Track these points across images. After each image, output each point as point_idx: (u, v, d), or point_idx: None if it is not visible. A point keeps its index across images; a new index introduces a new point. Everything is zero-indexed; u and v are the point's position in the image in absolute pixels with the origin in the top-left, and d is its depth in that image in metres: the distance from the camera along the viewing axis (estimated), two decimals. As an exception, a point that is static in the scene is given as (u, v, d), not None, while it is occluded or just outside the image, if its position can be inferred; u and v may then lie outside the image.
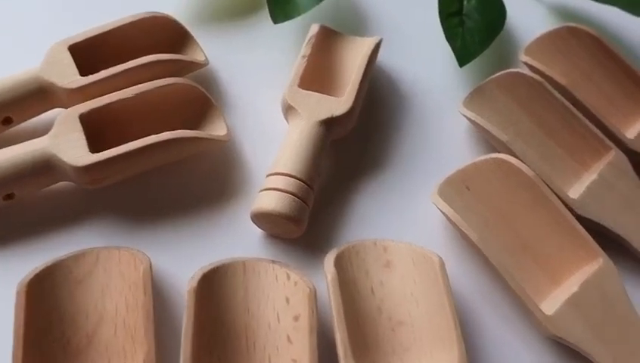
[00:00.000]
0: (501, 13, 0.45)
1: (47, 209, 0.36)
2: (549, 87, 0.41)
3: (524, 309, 0.34)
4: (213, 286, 0.33)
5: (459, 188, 0.35)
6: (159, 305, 0.33)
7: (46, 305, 0.32)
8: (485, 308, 0.35)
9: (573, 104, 0.41)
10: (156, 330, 0.32)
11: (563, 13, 0.47)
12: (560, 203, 0.36)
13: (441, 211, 0.35)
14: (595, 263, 0.34)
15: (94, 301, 0.33)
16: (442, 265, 0.34)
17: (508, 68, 0.42)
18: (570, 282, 0.34)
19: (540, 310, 0.33)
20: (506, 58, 0.45)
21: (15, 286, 0.32)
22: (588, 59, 0.44)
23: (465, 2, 0.44)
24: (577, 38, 0.44)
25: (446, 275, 0.33)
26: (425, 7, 0.45)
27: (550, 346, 0.34)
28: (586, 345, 0.33)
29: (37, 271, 0.33)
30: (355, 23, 0.45)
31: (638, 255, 0.37)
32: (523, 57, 0.43)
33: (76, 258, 0.34)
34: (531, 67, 0.42)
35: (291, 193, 0.35)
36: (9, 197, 0.35)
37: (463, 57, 0.42)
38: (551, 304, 0.33)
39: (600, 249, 0.35)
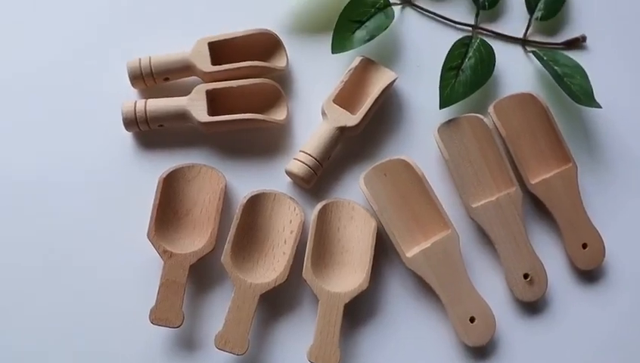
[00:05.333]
0: (489, 72, 0.69)
1: (181, 138, 0.69)
2: (494, 134, 0.67)
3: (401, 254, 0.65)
4: (256, 204, 0.66)
5: (379, 175, 0.65)
6: (225, 207, 0.66)
7: (170, 191, 0.66)
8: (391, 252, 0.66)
9: (507, 148, 0.68)
10: (221, 220, 0.65)
11: (543, 75, 0.72)
12: (434, 191, 0.65)
13: (361, 190, 0.65)
14: (446, 231, 0.65)
15: (194, 193, 0.67)
16: (376, 226, 0.64)
17: (482, 109, 0.68)
18: (432, 239, 0.65)
19: (404, 253, 0.64)
20: (482, 100, 0.69)
21: (157, 178, 0.66)
22: (537, 120, 0.67)
23: (466, 60, 0.70)
24: (534, 103, 0.67)
25: (376, 231, 0.64)
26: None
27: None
28: (429, 279, 0.64)
29: (169, 170, 0.66)
30: (391, 55, 0.72)
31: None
32: (490, 109, 0.68)
33: (190, 167, 0.67)
34: (492, 117, 0.68)
35: (307, 165, 0.65)
36: (161, 126, 0.68)
37: (445, 102, 0.68)
38: (414, 251, 0.64)
39: (451, 223, 0.65)
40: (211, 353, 0.64)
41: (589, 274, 0.68)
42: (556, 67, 0.69)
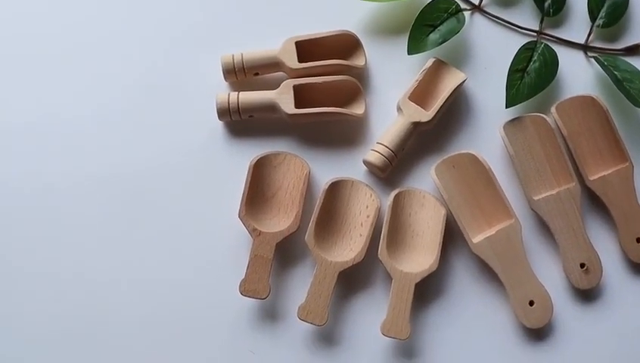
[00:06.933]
0: (552, 75, 0.76)
1: (268, 128, 0.76)
2: (555, 133, 0.74)
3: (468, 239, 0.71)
4: (336, 190, 0.73)
5: (449, 167, 0.72)
6: (308, 192, 0.74)
7: (259, 175, 0.74)
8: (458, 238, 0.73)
9: (567, 146, 0.74)
10: (304, 204, 0.72)
11: (603, 79, 0.78)
12: (499, 183, 0.71)
13: (433, 180, 0.72)
14: (510, 220, 0.71)
15: (279, 178, 0.74)
16: (445, 214, 0.71)
17: (545, 109, 0.75)
18: (496, 227, 0.71)
19: (471, 239, 0.71)
20: (545, 101, 0.76)
21: (246, 164, 0.74)
22: (597, 121, 0.73)
23: (531, 63, 0.76)
24: (594, 105, 0.73)
25: (445, 218, 0.71)
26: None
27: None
28: (493, 264, 0.70)
29: (258, 157, 0.74)
30: (462, 57, 0.79)
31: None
32: (552, 110, 0.75)
33: (276, 155, 0.75)
34: (554, 117, 0.75)
35: (382, 155, 0.72)
36: (251, 116, 0.76)
37: (511, 101, 0.75)
38: (479, 237, 0.71)
39: (514, 213, 0.71)
40: (293, 323, 0.72)
41: (642, 266, 0.74)
42: (616, 72, 0.75)
